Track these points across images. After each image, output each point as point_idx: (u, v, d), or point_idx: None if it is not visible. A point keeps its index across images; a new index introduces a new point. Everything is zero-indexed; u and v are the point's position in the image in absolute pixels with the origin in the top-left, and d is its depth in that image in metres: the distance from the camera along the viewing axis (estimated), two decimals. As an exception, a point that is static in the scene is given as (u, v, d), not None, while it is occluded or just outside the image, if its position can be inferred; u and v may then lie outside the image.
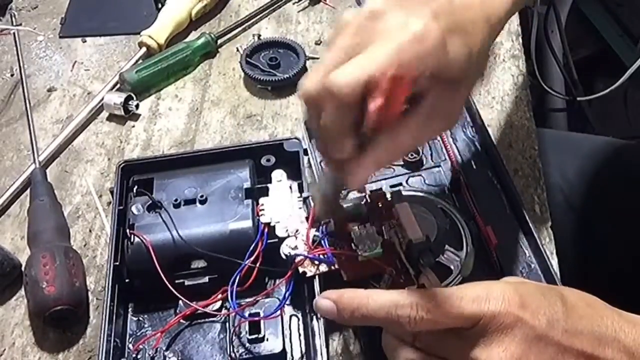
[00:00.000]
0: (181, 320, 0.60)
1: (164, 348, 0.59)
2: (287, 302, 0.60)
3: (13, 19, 0.97)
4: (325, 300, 0.49)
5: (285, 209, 0.62)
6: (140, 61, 0.88)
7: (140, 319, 0.62)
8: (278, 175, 0.66)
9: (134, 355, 0.59)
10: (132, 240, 0.61)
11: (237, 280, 0.58)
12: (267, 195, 0.64)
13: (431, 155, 0.70)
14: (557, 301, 0.44)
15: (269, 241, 0.60)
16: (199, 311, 0.60)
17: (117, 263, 0.61)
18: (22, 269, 0.66)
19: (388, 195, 0.61)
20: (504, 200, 0.65)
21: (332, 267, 0.56)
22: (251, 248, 0.59)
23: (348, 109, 0.45)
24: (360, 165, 0.48)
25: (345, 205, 0.59)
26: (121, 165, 0.68)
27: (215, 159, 0.68)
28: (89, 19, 0.97)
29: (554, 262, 0.63)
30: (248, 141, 0.78)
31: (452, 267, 0.60)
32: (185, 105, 0.84)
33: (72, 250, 0.68)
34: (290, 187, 0.64)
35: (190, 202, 0.64)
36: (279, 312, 0.58)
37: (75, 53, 0.93)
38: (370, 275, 0.56)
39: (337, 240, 0.57)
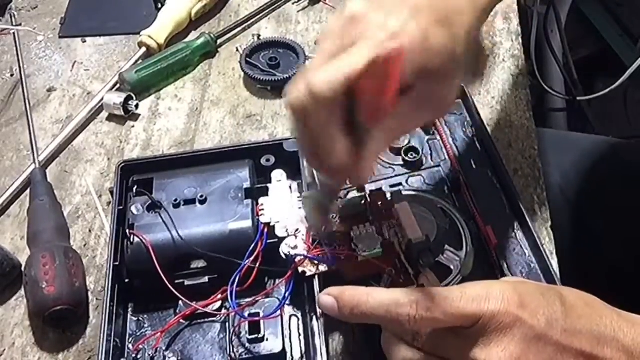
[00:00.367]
0: (181, 320, 0.60)
1: (164, 348, 0.59)
2: (287, 302, 0.60)
3: (13, 19, 0.97)
4: (327, 296, 0.49)
5: (285, 208, 0.62)
6: (140, 61, 0.88)
7: (140, 319, 0.62)
8: (278, 175, 0.66)
9: (133, 355, 0.59)
10: (131, 240, 0.61)
11: (237, 280, 0.58)
12: (267, 195, 0.64)
13: (431, 155, 0.70)
14: (556, 301, 0.44)
15: (268, 241, 0.60)
16: (198, 311, 0.60)
17: (117, 263, 0.61)
18: (22, 269, 0.66)
19: (388, 195, 0.61)
20: (504, 200, 0.65)
21: (332, 267, 0.56)
22: (251, 248, 0.59)
23: (332, 111, 0.45)
24: (362, 161, 0.48)
25: (343, 205, 0.59)
26: (121, 165, 0.68)
27: (215, 159, 0.68)
28: (88, 19, 0.97)
29: (553, 262, 0.63)
30: (248, 141, 0.78)
31: (451, 267, 0.60)
32: (185, 105, 0.84)
33: (72, 250, 0.67)
34: (290, 187, 0.64)
35: (190, 202, 0.64)
36: (278, 312, 0.58)
37: (75, 53, 0.93)
38: (370, 275, 0.56)
39: (336, 240, 0.57)
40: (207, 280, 0.61)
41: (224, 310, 0.60)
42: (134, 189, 0.66)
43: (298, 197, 0.63)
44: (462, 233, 0.63)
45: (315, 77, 0.44)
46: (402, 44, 0.45)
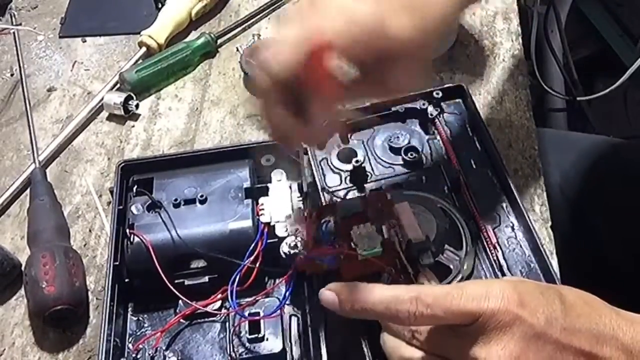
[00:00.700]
0: (181, 320, 0.60)
1: (164, 348, 0.59)
2: (287, 302, 0.60)
3: (13, 18, 0.97)
4: (328, 291, 0.49)
5: (285, 208, 0.62)
6: (140, 61, 0.88)
7: (140, 318, 0.62)
8: (278, 175, 0.66)
9: (133, 355, 0.59)
10: (131, 240, 0.61)
11: (237, 280, 0.58)
12: (267, 195, 0.64)
13: (431, 155, 0.70)
14: (556, 299, 0.44)
15: (268, 241, 0.60)
16: (198, 311, 0.60)
17: (117, 263, 0.61)
18: (22, 268, 0.66)
19: (388, 195, 0.61)
20: (504, 200, 0.65)
21: (332, 267, 0.56)
22: (251, 248, 0.59)
23: (282, 88, 0.48)
24: (310, 127, 0.50)
25: (343, 204, 0.60)
26: (121, 165, 0.68)
27: (215, 158, 0.68)
28: (88, 19, 0.97)
29: (553, 262, 0.63)
30: (248, 141, 0.78)
31: (451, 267, 0.60)
32: (185, 105, 0.84)
33: (72, 250, 0.68)
34: (290, 187, 0.64)
35: (190, 201, 0.64)
36: (278, 311, 0.58)
37: (75, 53, 0.93)
38: (370, 275, 0.55)
39: (337, 238, 0.57)
40: (207, 280, 0.61)
41: (223, 310, 0.60)
42: (134, 188, 0.66)
43: (298, 197, 0.63)
44: (461, 233, 0.63)
45: (271, 56, 0.47)
46: (359, 29, 0.47)
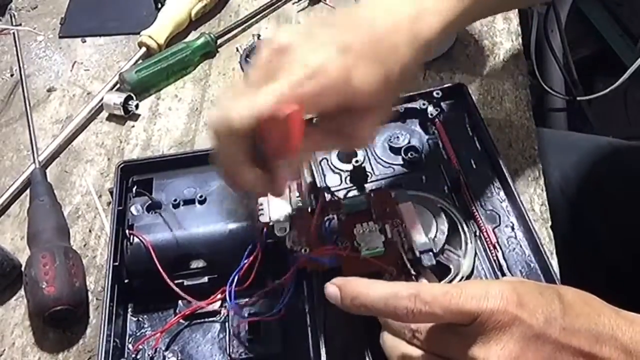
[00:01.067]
0: (180, 320, 0.60)
1: (164, 348, 0.59)
2: (287, 302, 0.60)
3: (13, 19, 0.97)
4: (332, 286, 0.49)
5: (284, 208, 0.62)
6: (140, 61, 0.88)
7: (140, 319, 0.62)
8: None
9: (133, 356, 0.59)
10: (131, 240, 0.61)
11: (235, 280, 0.58)
12: (266, 194, 0.64)
13: (431, 154, 0.70)
14: (555, 299, 0.44)
15: (268, 241, 0.60)
16: (198, 311, 0.60)
17: (117, 263, 0.61)
18: (22, 269, 0.66)
19: (392, 194, 0.61)
20: (504, 200, 0.65)
21: (333, 266, 0.56)
22: (250, 248, 0.59)
23: (242, 141, 0.48)
24: (272, 184, 0.51)
25: (347, 203, 0.59)
26: (120, 166, 0.68)
27: (214, 159, 0.68)
28: (88, 19, 0.97)
29: (553, 262, 0.63)
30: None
31: (451, 267, 0.60)
32: (185, 105, 0.84)
33: (72, 250, 0.68)
34: (289, 187, 0.64)
35: (189, 202, 0.64)
36: (278, 312, 0.58)
37: (75, 53, 0.93)
38: (371, 274, 0.55)
39: (340, 236, 0.57)
40: (206, 280, 0.61)
41: (223, 310, 0.60)
42: (134, 189, 0.66)
43: (297, 196, 0.63)
44: (461, 232, 0.63)
45: (231, 108, 0.47)
46: (322, 83, 0.47)
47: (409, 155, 0.69)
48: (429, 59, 0.83)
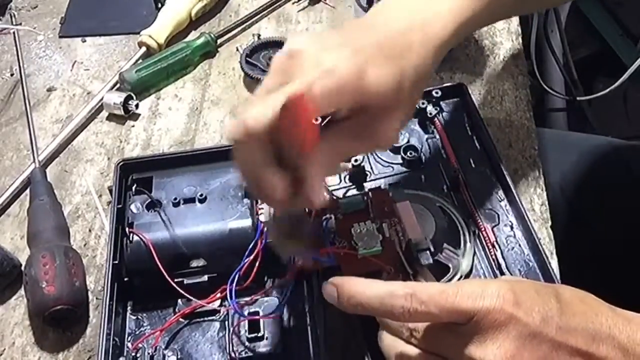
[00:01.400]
0: (180, 319, 0.60)
1: (163, 347, 0.59)
2: (287, 302, 0.60)
3: (13, 18, 0.97)
4: (329, 285, 0.49)
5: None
6: (140, 61, 0.88)
7: (139, 317, 0.62)
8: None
9: (133, 354, 0.59)
10: (131, 239, 0.61)
11: (236, 279, 0.58)
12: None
13: (430, 153, 0.70)
14: (552, 298, 0.44)
15: (268, 240, 0.60)
16: (198, 310, 0.60)
17: (116, 262, 0.61)
18: (22, 268, 0.66)
19: (390, 193, 0.61)
20: (503, 199, 0.65)
21: (332, 265, 0.56)
22: (250, 247, 0.59)
23: (263, 146, 0.47)
24: (304, 191, 0.49)
25: (344, 201, 0.59)
26: (120, 164, 0.68)
27: (214, 157, 0.68)
28: (88, 19, 0.97)
29: (553, 262, 0.63)
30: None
31: (450, 265, 0.60)
32: (185, 105, 0.84)
33: (72, 250, 0.67)
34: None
35: (189, 200, 0.64)
36: (278, 312, 0.58)
37: (75, 53, 0.93)
38: (369, 273, 0.55)
39: (337, 236, 0.57)
40: (206, 279, 0.60)
41: (223, 309, 0.60)
42: (133, 187, 0.66)
43: None
44: (460, 231, 0.63)
45: (248, 112, 0.47)
46: (335, 83, 0.47)
47: (408, 154, 0.69)
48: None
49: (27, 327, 0.65)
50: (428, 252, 0.54)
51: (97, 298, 0.66)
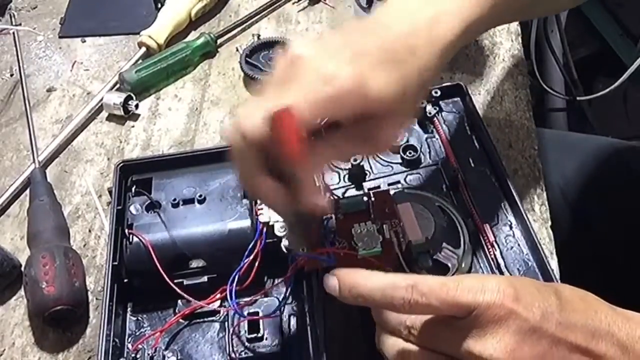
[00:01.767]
0: (180, 320, 0.60)
1: (163, 347, 0.59)
2: (287, 302, 0.60)
3: (12, 18, 0.97)
4: (331, 276, 0.49)
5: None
6: (140, 61, 0.88)
7: (139, 318, 0.62)
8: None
9: (133, 355, 0.59)
10: (130, 240, 0.61)
11: (236, 279, 0.58)
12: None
13: (429, 153, 0.70)
14: (552, 295, 0.44)
15: (267, 240, 0.60)
16: (197, 310, 0.60)
17: (116, 263, 0.61)
18: (22, 269, 0.66)
19: (392, 193, 0.61)
20: (502, 199, 0.65)
21: (332, 265, 0.56)
22: (250, 247, 0.59)
23: (255, 151, 0.47)
24: (298, 196, 0.49)
25: (345, 202, 0.59)
26: (119, 165, 0.68)
27: (213, 158, 0.68)
28: (88, 19, 0.97)
29: (553, 261, 0.63)
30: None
31: (449, 265, 0.60)
32: (185, 105, 0.84)
33: (72, 250, 0.68)
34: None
35: (188, 201, 0.64)
36: (278, 312, 0.58)
37: (74, 53, 0.93)
38: None
39: (337, 236, 0.57)
40: (206, 280, 0.60)
41: (223, 310, 0.60)
42: (133, 188, 0.66)
43: None
44: (460, 231, 0.63)
45: (242, 115, 0.47)
46: (334, 90, 0.46)
47: (407, 153, 0.69)
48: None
49: (27, 328, 0.65)
50: (428, 254, 0.54)
51: (97, 298, 0.66)
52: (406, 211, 0.57)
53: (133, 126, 0.83)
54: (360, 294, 0.47)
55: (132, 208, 0.64)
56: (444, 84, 0.75)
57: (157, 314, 0.62)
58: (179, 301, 0.61)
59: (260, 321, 0.58)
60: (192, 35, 0.93)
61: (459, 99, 0.74)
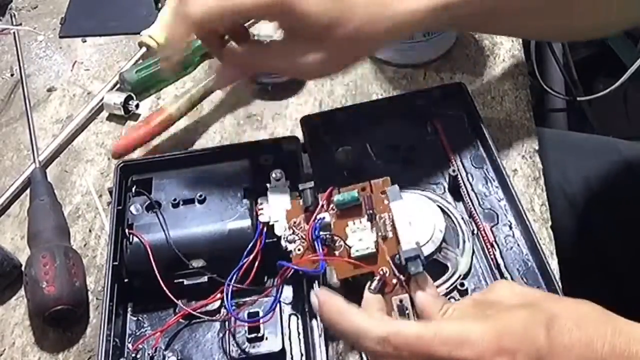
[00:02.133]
0: (180, 320, 0.60)
1: (163, 347, 0.59)
2: (287, 302, 0.60)
3: (13, 18, 0.97)
4: (314, 297, 0.49)
5: (283, 208, 0.62)
6: (140, 61, 0.88)
7: (140, 318, 0.62)
8: (276, 174, 0.66)
9: (133, 355, 0.59)
10: (130, 240, 0.61)
11: (234, 279, 0.58)
12: (265, 194, 0.64)
13: (430, 153, 0.70)
14: (541, 333, 0.42)
15: (267, 240, 0.60)
16: (198, 310, 0.60)
17: (116, 263, 0.61)
18: (22, 268, 0.66)
19: (394, 204, 0.60)
20: (502, 199, 0.65)
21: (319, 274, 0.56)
22: (250, 247, 0.59)
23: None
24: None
25: (340, 197, 0.58)
26: (120, 165, 0.68)
27: (213, 158, 0.68)
28: (88, 19, 0.97)
29: (553, 262, 0.63)
30: (247, 141, 0.78)
31: (449, 265, 0.60)
32: (185, 105, 0.84)
33: (72, 250, 0.68)
34: (289, 186, 0.64)
35: (188, 201, 0.64)
36: (275, 311, 0.58)
37: (75, 53, 0.93)
38: (362, 275, 0.55)
39: (331, 235, 0.56)
40: (206, 280, 0.60)
41: (223, 310, 0.60)
42: (133, 188, 0.66)
43: (297, 196, 0.62)
44: (459, 231, 0.63)
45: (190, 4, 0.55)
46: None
47: (407, 153, 0.69)
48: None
49: (27, 328, 0.65)
50: (419, 260, 0.52)
51: (97, 298, 0.66)
52: (399, 210, 0.56)
53: (133, 126, 0.83)
54: (335, 330, 0.47)
55: (132, 208, 0.64)
56: (444, 84, 0.75)
57: (158, 314, 0.62)
58: (179, 301, 0.61)
59: (260, 321, 0.58)
60: (192, 35, 0.92)
61: (459, 99, 0.74)
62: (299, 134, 0.72)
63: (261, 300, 0.60)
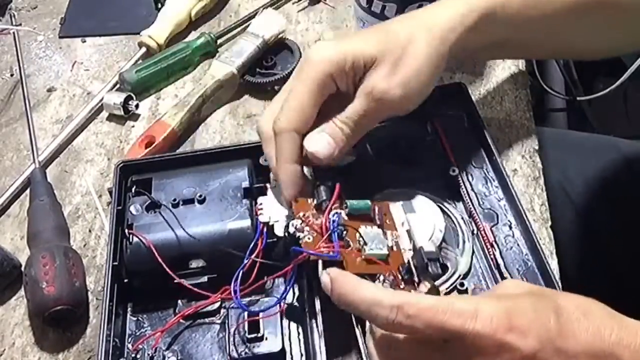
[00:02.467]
0: (180, 320, 0.60)
1: (163, 348, 0.59)
2: (287, 301, 0.60)
3: (13, 18, 0.97)
4: (326, 275, 0.49)
5: (283, 208, 0.62)
6: (140, 61, 0.88)
7: (140, 318, 0.62)
8: (277, 174, 0.66)
9: (133, 355, 0.59)
10: (130, 240, 0.61)
11: (239, 278, 0.57)
12: (265, 194, 0.64)
13: (430, 153, 0.70)
14: (551, 316, 0.42)
15: (267, 240, 0.60)
16: (198, 311, 0.60)
17: (116, 263, 0.61)
18: (22, 269, 0.66)
19: (391, 206, 0.60)
20: (502, 198, 0.65)
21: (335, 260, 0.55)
22: (250, 247, 0.59)
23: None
24: None
25: (353, 202, 0.58)
26: (119, 165, 0.68)
27: (213, 158, 0.68)
28: (88, 19, 0.97)
29: (553, 262, 0.63)
30: (247, 141, 0.78)
31: (449, 265, 0.60)
32: (185, 105, 0.84)
33: (72, 250, 0.68)
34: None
35: (188, 201, 0.64)
36: (277, 309, 0.58)
37: (75, 53, 0.93)
38: (372, 274, 0.55)
39: (346, 231, 0.56)
40: (206, 280, 0.60)
41: (223, 310, 0.60)
42: (133, 188, 0.66)
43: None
44: (459, 231, 0.63)
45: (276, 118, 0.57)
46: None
47: (407, 153, 0.69)
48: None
49: (27, 328, 0.65)
50: (437, 262, 0.52)
51: (97, 298, 0.66)
52: (397, 211, 0.56)
53: (133, 126, 0.83)
54: (347, 303, 0.46)
55: (132, 208, 0.64)
56: (444, 84, 0.75)
57: (157, 314, 0.62)
58: (179, 301, 0.61)
59: (260, 321, 0.58)
60: (192, 35, 0.93)
61: (459, 99, 0.74)
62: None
63: (261, 300, 0.60)
